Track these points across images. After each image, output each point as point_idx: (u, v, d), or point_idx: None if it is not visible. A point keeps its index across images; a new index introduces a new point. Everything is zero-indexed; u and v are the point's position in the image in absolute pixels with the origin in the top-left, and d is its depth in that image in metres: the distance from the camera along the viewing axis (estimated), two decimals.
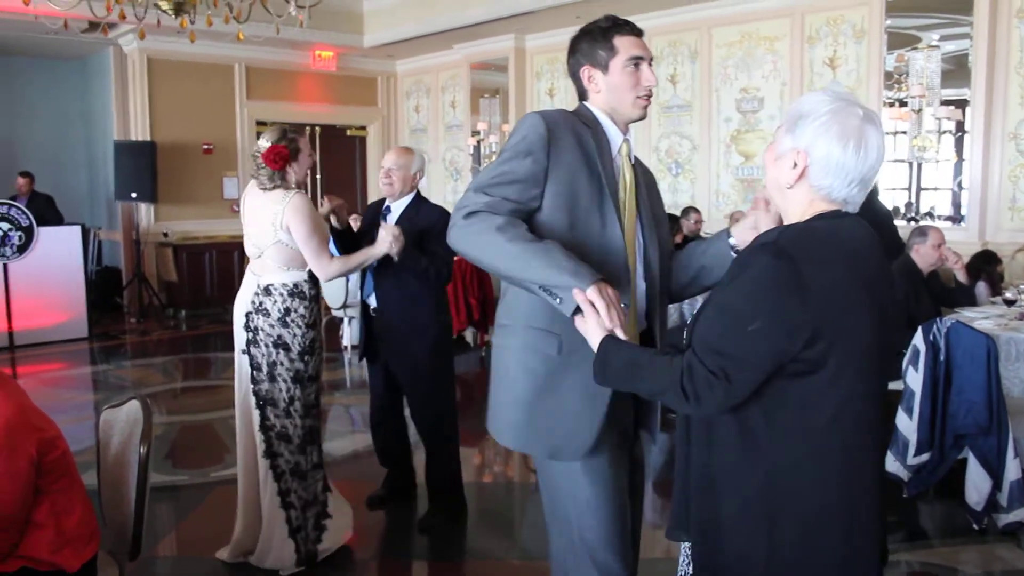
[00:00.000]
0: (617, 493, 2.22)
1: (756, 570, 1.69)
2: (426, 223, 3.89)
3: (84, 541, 2.37)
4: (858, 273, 1.66)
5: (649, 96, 2.27)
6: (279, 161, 3.48)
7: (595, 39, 2.25)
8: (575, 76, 2.31)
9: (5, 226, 8.36)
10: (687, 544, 1.88)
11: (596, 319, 1.87)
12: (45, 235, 8.66)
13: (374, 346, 4.11)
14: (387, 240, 3.68)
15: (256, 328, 3.52)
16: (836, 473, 1.67)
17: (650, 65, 2.26)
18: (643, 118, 2.30)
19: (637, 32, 2.27)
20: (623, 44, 2.23)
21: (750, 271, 1.63)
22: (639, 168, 2.33)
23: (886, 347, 1.75)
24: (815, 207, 1.72)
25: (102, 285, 10.58)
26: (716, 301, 1.70)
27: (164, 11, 6.13)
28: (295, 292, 3.52)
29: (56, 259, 8.72)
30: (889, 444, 4.39)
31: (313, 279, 3.59)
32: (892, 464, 4.37)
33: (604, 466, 2.20)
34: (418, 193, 4.07)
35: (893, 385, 4.77)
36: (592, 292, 1.88)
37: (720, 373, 1.61)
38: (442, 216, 3.92)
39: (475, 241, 2.07)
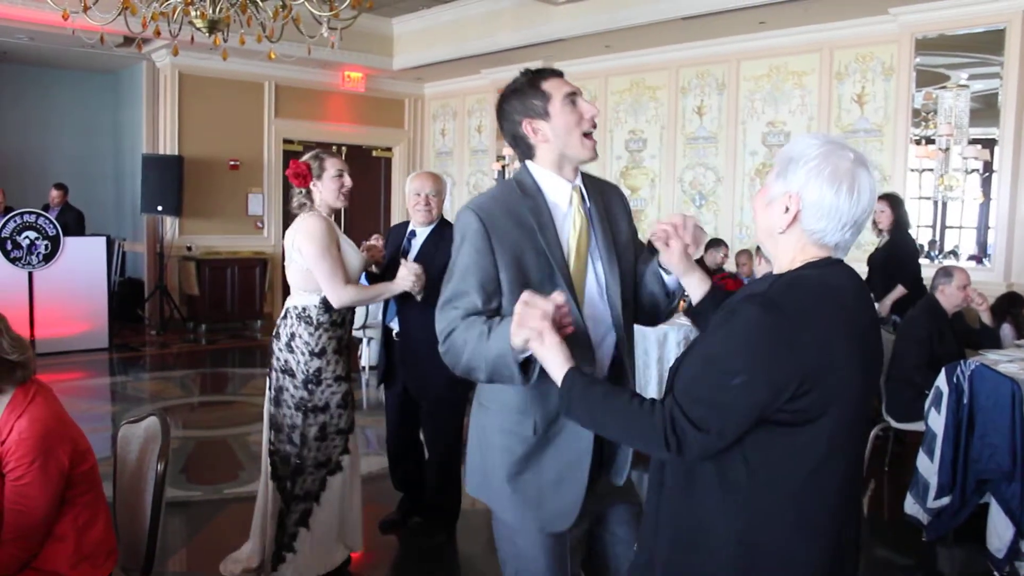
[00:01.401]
0: (564, 567, 2.24)
1: None
2: (450, 250, 3.87)
3: (103, 558, 2.37)
4: (848, 326, 1.64)
5: (594, 128, 2.22)
6: (298, 178, 3.47)
7: (524, 93, 2.21)
8: (516, 137, 2.24)
9: (32, 235, 8.46)
10: None
11: (539, 341, 1.83)
12: (71, 245, 8.75)
13: (393, 370, 4.10)
14: (409, 279, 3.64)
15: (273, 351, 3.54)
16: (817, 525, 1.65)
17: (582, 96, 2.23)
18: (594, 157, 2.22)
19: (559, 73, 2.24)
20: (552, 86, 2.20)
21: (737, 322, 1.61)
22: (594, 198, 2.28)
23: (870, 396, 1.73)
24: (807, 253, 1.69)
25: (124, 296, 10.65)
26: (701, 350, 1.68)
27: (198, 28, 6.19)
28: (301, 316, 3.47)
29: (80, 269, 8.81)
30: (909, 486, 4.33)
31: (327, 306, 3.48)
32: (912, 507, 4.32)
33: (555, 545, 2.21)
34: (443, 219, 4.04)
35: (914, 426, 4.72)
36: (515, 320, 1.86)
37: (703, 424, 1.59)
38: None
39: (457, 364, 2.10)
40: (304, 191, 3.51)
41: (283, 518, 3.53)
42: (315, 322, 3.46)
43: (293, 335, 3.47)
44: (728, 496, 1.65)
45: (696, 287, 2.12)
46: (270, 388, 3.54)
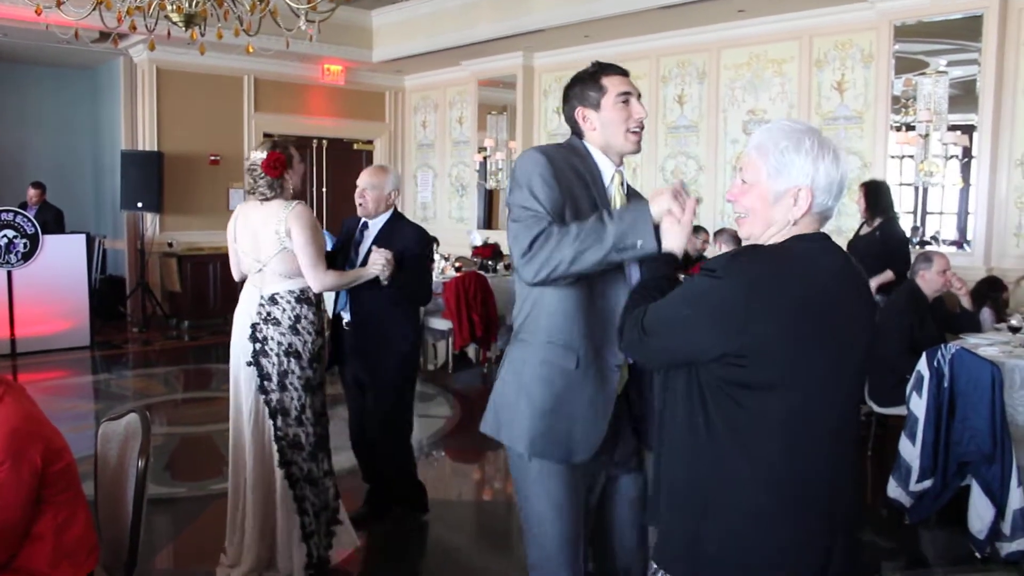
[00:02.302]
0: (575, 512, 2.41)
1: (699, 560, 1.77)
2: (402, 244, 3.93)
3: (83, 556, 2.35)
4: (824, 298, 1.72)
5: (641, 128, 2.43)
6: (278, 168, 3.55)
7: (586, 83, 2.44)
8: (571, 120, 2.46)
9: (11, 233, 8.38)
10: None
11: (673, 219, 2.08)
12: (50, 243, 8.67)
13: (342, 360, 4.12)
14: (379, 263, 3.75)
15: (265, 338, 3.53)
16: (774, 483, 1.73)
17: (639, 100, 2.44)
18: (636, 151, 2.46)
19: (623, 72, 2.46)
20: (611, 83, 2.41)
21: (706, 272, 1.75)
22: (632, 195, 2.50)
23: (845, 375, 1.78)
24: (799, 227, 1.79)
25: (105, 294, 10.58)
26: (684, 284, 1.88)
27: (175, 23, 6.14)
28: (302, 298, 3.59)
29: (60, 267, 8.73)
30: (892, 470, 4.37)
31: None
32: (894, 490, 4.35)
33: (571, 483, 2.39)
34: (395, 211, 4.09)
35: (896, 410, 4.76)
36: (671, 192, 2.10)
37: (647, 330, 1.82)
38: (418, 236, 4.03)
39: (549, 263, 2.19)
40: (277, 180, 3.57)
41: (319, 496, 3.63)
42: (314, 301, 3.64)
43: (298, 317, 3.57)
44: (702, 450, 1.77)
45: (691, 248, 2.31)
46: (266, 377, 3.53)
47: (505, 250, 8.70)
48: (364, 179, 4.02)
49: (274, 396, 3.53)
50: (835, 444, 1.78)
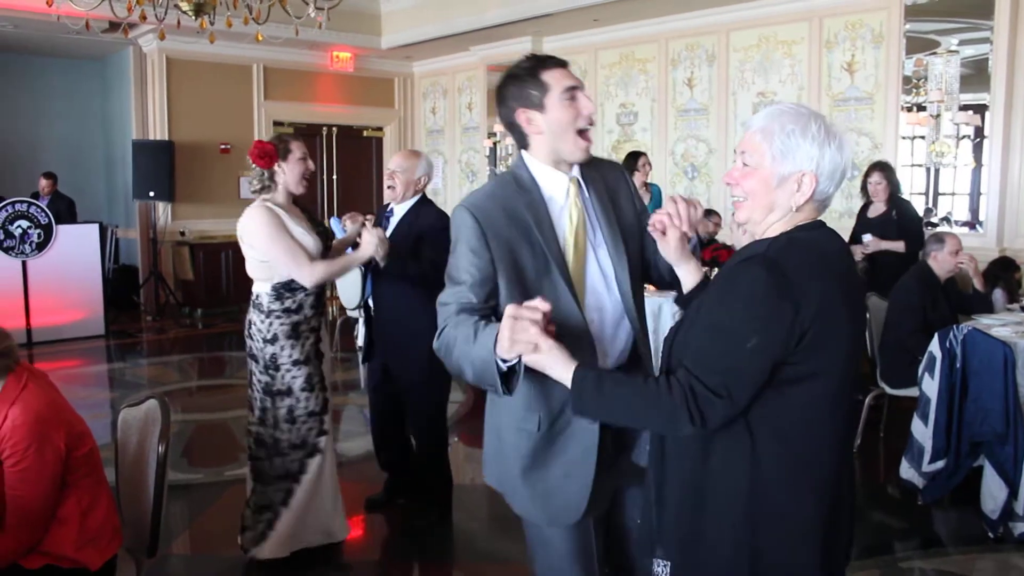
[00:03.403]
0: (589, 560, 2.25)
1: (742, 571, 1.70)
2: (422, 227, 3.86)
3: (107, 539, 2.40)
4: (839, 284, 1.69)
5: (591, 126, 2.16)
6: (264, 157, 3.42)
7: (523, 80, 2.13)
8: (511, 125, 2.17)
9: (25, 224, 8.44)
10: (662, 561, 1.84)
11: (536, 351, 1.78)
12: (63, 233, 8.73)
13: (373, 348, 4.12)
14: (372, 243, 3.61)
15: (248, 339, 3.62)
16: (818, 483, 1.70)
17: (583, 91, 2.16)
18: (586, 159, 2.18)
19: (563, 64, 2.16)
20: (553, 78, 2.11)
21: (741, 286, 1.66)
22: (595, 185, 2.24)
23: (859, 355, 1.78)
24: (800, 216, 1.75)
25: (119, 283, 10.65)
26: (707, 320, 1.70)
27: (184, 12, 6.16)
28: (255, 304, 3.54)
29: (74, 257, 8.79)
30: (904, 450, 4.38)
31: (278, 294, 3.48)
32: (907, 471, 4.36)
33: (580, 534, 2.23)
34: (423, 197, 4.02)
35: (909, 392, 4.76)
36: (505, 335, 1.79)
37: (723, 392, 1.62)
38: (439, 220, 3.86)
39: (448, 361, 2.07)
40: (267, 173, 3.47)
41: (264, 497, 3.59)
42: (265, 310, 3.50)
43: (250, 322, 3.56)
44: (731, 458, 1.69)
45: (689, 275, 2.11)
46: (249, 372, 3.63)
47: None
48: (395, 162, 3.97)
49: (248, 391, 3.62)
50: (849, 426, 1.80)
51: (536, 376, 1.91)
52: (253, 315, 3.53)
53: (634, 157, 7.30)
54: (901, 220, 6.15)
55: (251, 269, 3.52)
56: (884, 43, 7.63)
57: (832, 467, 1.73)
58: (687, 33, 9.11)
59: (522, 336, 1.77)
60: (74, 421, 2.38)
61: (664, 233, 2.04)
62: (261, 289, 3.50)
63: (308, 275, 3.43)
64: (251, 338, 3.54)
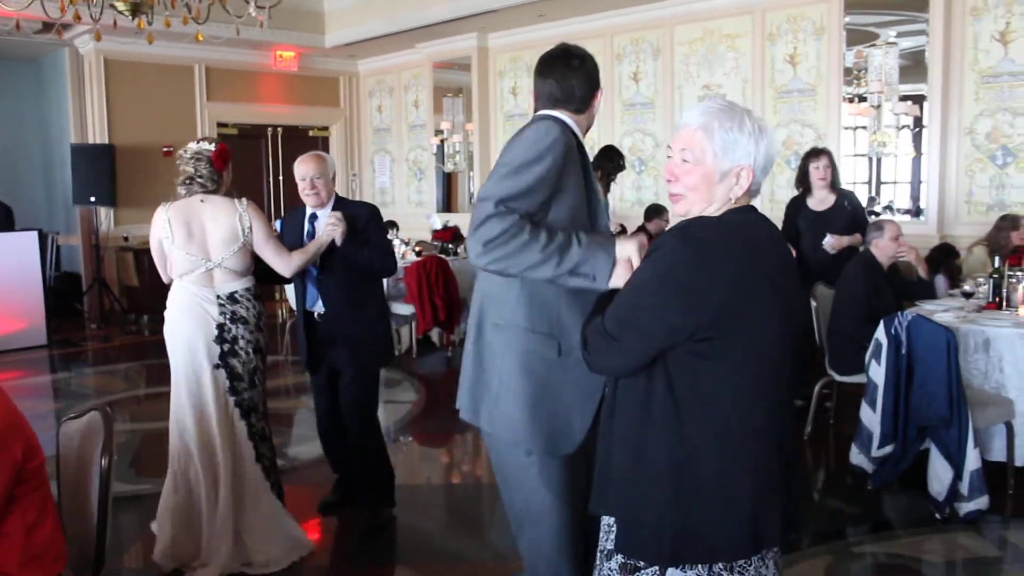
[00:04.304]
0: (575, 497, 2.38)
1: (666, 540, 1.79)
2: (355, 218, 3.90)
3: (51, 558, 2.32)
4: (762, 265, 1.80)
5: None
6: (226, 161, 3.63)
7: (596, 69, 2.52)
8: (583, 99, 2.49)
9: None
10: (606, 519, 1.95)
11: (626, 271, 2.05)
12: (1, 241, 8.49)
13: (317, 354, 4.08)
14: (330, 224, 3.77)
15: (235, 338, 3.53)
16: (750, 460, 1.80)
17: None
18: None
19: None
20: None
21: (659, 252, 1.79)
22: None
23: (791, 337, 1.88)
24: (733, 202, 1.86)
25: (61, 291, 10.37)
26: (630, 279, 1.90)
27: (120, 12, 6.02)
28: (258, 295, 3.67)
29: (12, 265, 8.57)
30: (854, 437, 4.44)
31: (255, 285, 3.69)
32: (856, 456, 4.43)
33: (567, 469, 2.37)
34: (337, 196, 4.05)
35: (857, 379, 4.83)
36: (631, 250, 2.07)
37: (613, 335, 1.80)
38: (365, 206, 4.07)
39: (505, 260, 2.14)
40: (219, 175, 3.61)
41: (273, 454, 3.76)
42: (253, 299, 3.67)
43: (260, 314, 3.66)
44: (662, 427, 1.79)
45: None
46: (237, 377, 3.56)
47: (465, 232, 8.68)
48: (310, 168, 3.90)
49: (246, 395, 3.55)
50: (784, 401, 1.90)
51: (561, 304, 2.29)
52: (259, 307, 3.64)
53: (657, 211, 7.64)
54: (856, 211, 5.89)
55: (246, 263, 3.60)
56: (825, 35, 7.74)
57: (761, 444, 1.81)
58: (632, 27, 9.15)
59: (641, 254, 2.05)
60: (29, 432, 2.31)
61: None
62: (251, 283, 3.64)
63: (289, 265, 3.67)
64: (260, 330, 3.64)
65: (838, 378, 5.14)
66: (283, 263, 3.65)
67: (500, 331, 2.37)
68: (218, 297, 3.53)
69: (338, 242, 3.79)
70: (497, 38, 10.38)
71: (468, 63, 10.64)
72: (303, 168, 3.92)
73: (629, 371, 1.83)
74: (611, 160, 7.40)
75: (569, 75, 2.46)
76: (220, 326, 3.51)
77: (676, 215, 1.91)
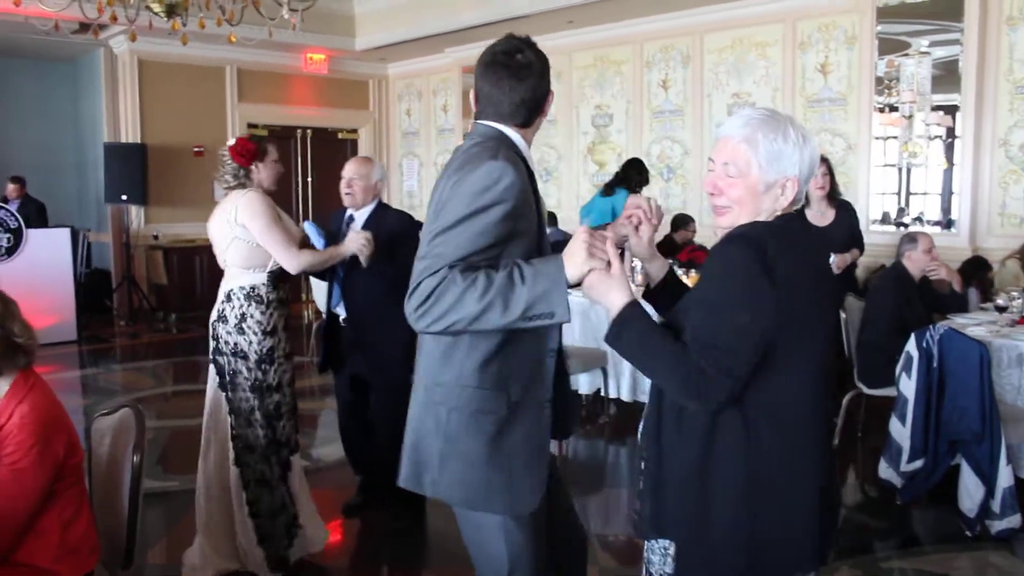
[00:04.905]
0: (541, 544, 2.21)
1: (739, 556, 1.76)
2: (391, 229, 3.89)
3: (86, 553, 2.36)
4: (813, 269, 1.80)
5: None
6: (246, 156, 3.47)
7: (549, 70, 2.21)
8: (536, 104, 2.16)
9: None
10: (661, 542, 1.89)
11: (604, 275, 1.83)
12: (34, 237, 8.61)
13: (339, 356, 4.08)
14: (358, 242, 3.66)
15: (218, 336, 3.49)
16: (808, 464, 1.79)
17: None
18: None
19: None
20: None
21: (724, 263, 1.75)
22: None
23: (834, 340, 1.89)
24: (780, 213, 1.83)
25: (91, 288, 10.48)
26: (699, 298, 1.78)
27: (156, 13, 6.09)
28: (251, 295, 3.45)
29: (45, 262, 8.67)
30: (882, 450, 4.40)
31: (274, 283, 3.50)
32: (885, 471, 4.38)
33: (531, 518, 2.17)
34: (380, 201, 4.09)
35: (886, 392, 4.79)
36: (582, 250, 1.84)
37: (725, 371, 1.67)
38: (404, 219, 4.04)
39: (445, 319, 1.91)
40: (244, 170, 3.50)
41: (274, 499, 3.52)
42: (266, 300, 3.47)
43: (244, 316, 3.45)
44: (730, 442, 1.75)
45: (658, 271, 2.15)
46: (222, 375, 3.50)
47: None
48: (350, 169, 4.00)
49: (229, 395, 3.49)
50: (828, 410, 1.93)
51: (510, 352, 2.03)
52: (250, 308, 3.44)
53: (684, 221, 7.54)
54: (854, 225, 5.76)
55: (244, 258, 3.45)
56: (857, 44, 7.68)
57: (819, 453, 1.81)
58: (662, 35, 9.13)
59: (599, 253, 1.84)
60: (72, 428, 2.36)
61: (638, 228, 2.07)
62: (257, 279, 3.46)
63: (296, 262, 3.46)
64: (242, 332, 3.44)
65: (867, 391, 5.09)
66: (288, 258, 3.43)
67: (445, 391, 2.11)
68: (222, 293, 3.52)
69: (363, 263, 3.71)
70: None
71: None
72: (345, 168, 4.02)
73: (727, 402, 1.72)
74: (638, 172, 7.44)
75: (517, 85, 2.12)
76: (212, 323, 3.52)
77: (720, 227, 1.86)
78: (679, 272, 6.07)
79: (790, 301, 1.69)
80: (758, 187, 1.79)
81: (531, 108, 2.16)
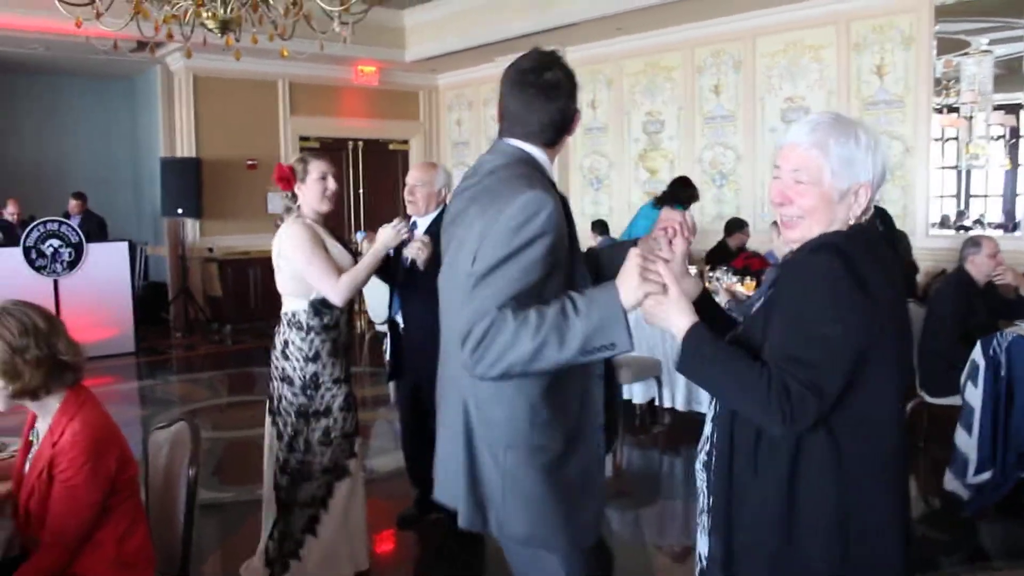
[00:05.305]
0: (594, 568, 2.21)
1: None
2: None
3: (141, 567, 2.37)
4: (897, 278, 1.74)
5: None
6: (283, 181, 3.46)
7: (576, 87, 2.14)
8: (563, 123, 2.11)
9: (56, 243, 8.51)
10: None
11: (662, 298, 1.75)
12: (94, 251, 8.80)
13: (401, 365, 4.08)
14: (417, 247, 3.63)
15: (271, 359, 3.53)
16: (898, 483, 1.73)
17: None
18: None
19: None
20: None
21: (813, 274, 1.63)
22: None
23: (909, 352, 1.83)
24: (854, 221, 1.75)
25: (148, 300, 10.70)
26: (786, 310, 1.65)
27: (210, 30, 6.18)
28: (292, 322, 3.44)
29: (104, 275, 8.85)
30: (949, 461, 4.27)
31: (316, 310, 3.43)
32: (951, 482, 4.26)
33: (589, 553, 2.16)
34: (445, 207, 4.01)
35: (949, 401, 4.65)
36: (636, 274, 1.76)
37: (813, 387, 1.56)
38: None
39: (503, 361, 1.82)
40: (289, 194, 3.49)
41: (287, 525, 3.49)
42: (305, 327, 3.43)
43: (287, 342, 3.44)
44: (820, 468, 1.65)
45: (691, 290, 2.00)
46: (271, 397, 3.53)
47: None
48: (414, 176, 3.98)
49: (277, 418, 3.50)
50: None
51: (556, 385, 1.95)
52: (291, 334, 3.43)
53: (739, 225, 7.51)
54: (890, 233, 5.64)
55: (285, 286, 3.47)
56: (914, 45, 7.51)
57: (904, 469, 1.75)
58: (712, 40, 9.04)
59: (654, 276, 1.75)
60: (124, 443, 2.38)
61: (671, 242, 2.00)
62: (297, 306, 3.44)
63: (337, 292, 3.38)
64: (286, 358, 3.43)
65: (929, 399, 4.96)
66: (329, 289, 3.35)
67: (496, 429, 2.03)
68: (279, 317, 3.53)
69: (420, 267, 3.66)
70: (576, 51, 10.34)
71: None
72: (409, 175, 4.01)
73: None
74: (685, 189, 7.44)
75: (546, 105, 2.08)
76: (285, 341, 3.50)
77: (789, 241, 1.77)
78: (733, 280, 6.04)
79: (880, 314, 1.61)
80: (832, 195, 1.70)
81: (559, 128, 2.11)
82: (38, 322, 2.25)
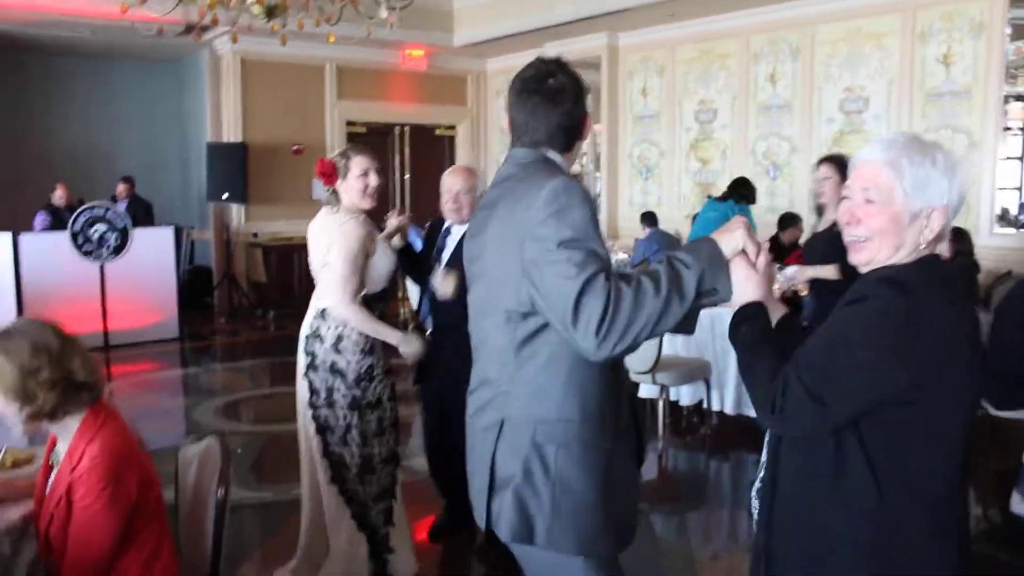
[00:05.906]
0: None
1: None
2: None
3: None
4: (966, 316, 1.63)
5: None
6: (325, 176, 3.39)
7: (585, 91, 2.12)
8: (573, 128, 2.08)
9: (102, 228, 8.52)
10: None
11: (748, 261, 1.78)
12: (139, 236, 8.80)
13: (428, 370, 3.93)
14: (412, 349, 3.51)
15: (314, 353, 3.40)
16: (950, 530, 1.63)
17: None
18: None
19: None
20: None
21: (870, 303, 1.58)
22: None
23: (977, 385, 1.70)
24: (928, 249, 1.66)
25: (193, 285, 10.74)
26: (828, 328, 1.63)
27: (256, 16, 6.11)
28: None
29: (150, 260, 8.86)
30: (1017, 482, 4.05)
31: (369, 305, 3.39)
32: (1019, 504, 4.02)
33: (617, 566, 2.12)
34: None
35: (1016, 415, 4.42)
36: (738, 237, 1.79)
37: (817, 395, 1.54)
38: None
39: (629, 333, 1.76)
40: (331, 189, 3.41)
41: (368, 522, 3.44)
42: None
43: (340, 337, 3.36)
44: (855, 509, 1.60)
45: (774, 309, 1.90)
46: (315, 392, 3.40)
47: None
48: (459, 183, 3.77)
49: (322, 412, 3.40)
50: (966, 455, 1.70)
51: (600, 387, 1.96)
52: (345, 329, 3.35)
53: (792, 220, 7.32)
54: (969, 258, 5.34)
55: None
56: (985, 32, 7.19)
57: (960, 511, 1.67)
58: (770, 27, 8.78)
59: (755, 239, 1.80)
60: (146, 464, 2.28)
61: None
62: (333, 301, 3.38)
63: (343, 307, 3.32)
64: (339, 352, 3.36)
65: (994, 412, 4.72)
66: (340, 297, 3.30)
67: (544, 427, 1.96)
68: (316, 309, 3.44)
69: (450, 297, 3.56)
70: (627, 37, 10.15)
71: (597, 63, 10.44)
72: (451, 180, 3.78)
73: (820, 433, 1.61)
74: (745, 188, 7.30)
75: (552, 111, 2.05)
76: (306, 337, 3.43)
77: (856, 264, 1.69)
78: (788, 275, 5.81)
79: (940, 356, 1.54)
80: (902, 217, 1.63)
81: (569, 133, 2.08)
82: (50, 341, 2.15)
